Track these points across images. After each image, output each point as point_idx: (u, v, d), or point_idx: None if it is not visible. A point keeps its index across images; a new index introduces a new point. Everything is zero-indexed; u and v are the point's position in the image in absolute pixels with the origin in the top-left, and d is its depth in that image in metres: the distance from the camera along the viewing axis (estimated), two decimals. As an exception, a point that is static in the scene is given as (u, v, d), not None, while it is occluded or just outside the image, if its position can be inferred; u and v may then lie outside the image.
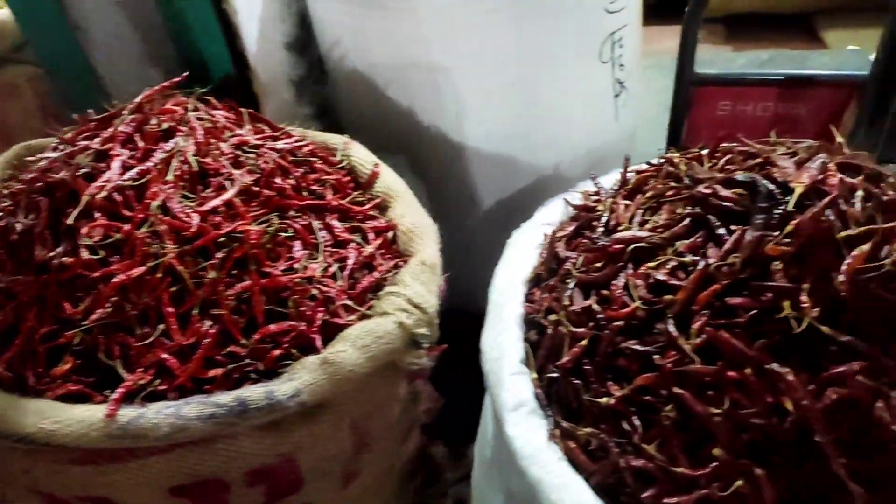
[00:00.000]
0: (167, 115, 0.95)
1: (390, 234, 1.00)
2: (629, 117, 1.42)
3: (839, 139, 0.89)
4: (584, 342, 0.83)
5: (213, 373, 0.82)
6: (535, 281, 1.00)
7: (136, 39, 1.24)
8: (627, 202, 0.95)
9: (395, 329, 0.85)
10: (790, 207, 0.73)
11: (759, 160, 0.84)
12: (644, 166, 1.08)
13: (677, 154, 1.02)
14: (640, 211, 0.90)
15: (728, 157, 0.94)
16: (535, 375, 0.88)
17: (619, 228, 0.90)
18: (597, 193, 1.09)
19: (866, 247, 0.71)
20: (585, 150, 1.37)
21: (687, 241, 0.81)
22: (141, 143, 0.90)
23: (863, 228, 0.72)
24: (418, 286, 0.90)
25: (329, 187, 1.05)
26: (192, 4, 1.18)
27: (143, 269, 0.81)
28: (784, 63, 2.24)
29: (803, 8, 2.78)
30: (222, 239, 0.85)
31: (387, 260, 0.98)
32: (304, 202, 0.96)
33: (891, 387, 0.70)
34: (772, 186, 0.77)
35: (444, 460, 1.22)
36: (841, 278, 0.70)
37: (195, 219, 0.84)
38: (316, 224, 0.96)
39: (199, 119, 0.96)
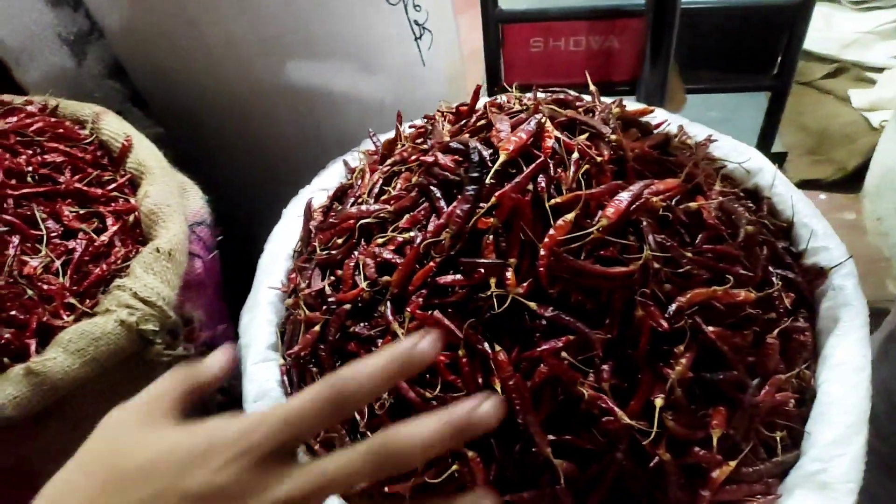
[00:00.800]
0: None
1: (131, 217, 0.92)
2: (441, 61, 1.34)
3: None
4: (316, 328, 0.78)
5: None
6: (297, 256, 0.94)
7: None
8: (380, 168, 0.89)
9: (116, 328, 0.78)
10: (489, 179, 0.68)
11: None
12: (420, 122, 1.02)
13: (450, 107, 0.96)
14: (382, 180, 0.84)
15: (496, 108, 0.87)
16: (282, 361, 0.84)
17: (358, 201, 0.84)
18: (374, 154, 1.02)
19: (570, 216, 0.68)
20: (394, 97, 1.29)
21: (409, 216, 0.76)
22: None
23: (569, 195, 0.68)
24: (149, 277, 0.83)
25: (67, 168, 0.95)
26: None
27: None
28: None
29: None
30: None
31: (127, 247, 0.90)
32: (21, 191, 0.86)
33: (601, 360, 0.68)
34: (486, 153, 0.72)
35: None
36: (542, 252, 0.67)
37: None
38: (39, 214, 0.87)
39: None
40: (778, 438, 0.72)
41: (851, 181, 1.63)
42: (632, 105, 0.99)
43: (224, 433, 0.39)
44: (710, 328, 0.71)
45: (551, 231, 0.67)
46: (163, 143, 1.44)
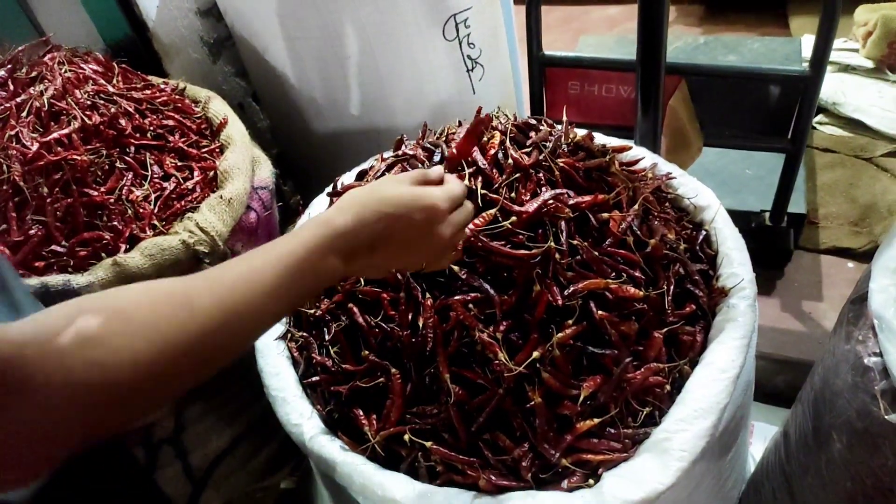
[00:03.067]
0: (39, 65, 1.20)
1: (211, 173, 1.23)
2: (492, 90, 1.58)
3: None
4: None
5: (38, 264, 1.08)
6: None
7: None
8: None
9: (178, 245, 1.09)
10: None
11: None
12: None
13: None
14: (385, 166, 1.09)
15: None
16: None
17: (367, 178, 1.10)
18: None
19: (491, 211, 0.89)
20: (446, 116, 1.55)
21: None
22: (11, 87, 1.17)
23: (494, 198, 0.90)
24: (210, 214, 1.13)
25: (177, 132, 1.29)
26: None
27: (-10, 181, 1.08)
28: (718, 51, 2.30)
29: (778, -6, 2.76)
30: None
31: (204, 193, 1.21)
32: (140, 142, 1.20)
33: (501, 318, 0.88)
34: (447, 153, 0.95)
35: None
36: (466, 232, 0.88)
37: (34, 147, 1.09)
38: (149, 160, 1.20)
39: (66, 71, 1.21)
40: (645, 412, 0.88)
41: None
42: (621, 142, 1.18)
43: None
44: (601, 312, 0.89)
45: (477, 220, 0.88)
46: (267, 133, 1.80)
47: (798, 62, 2.14)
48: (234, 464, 1.61)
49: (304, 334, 1.02)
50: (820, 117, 2.20)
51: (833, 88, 2.23)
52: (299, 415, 0.94)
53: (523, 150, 0.97)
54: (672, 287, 0.94)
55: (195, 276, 0.60)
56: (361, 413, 0.92)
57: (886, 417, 0.77)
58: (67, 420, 0.47)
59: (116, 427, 0.52)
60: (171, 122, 1.27)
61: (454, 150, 0.91)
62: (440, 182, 0.79)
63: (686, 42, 2.25)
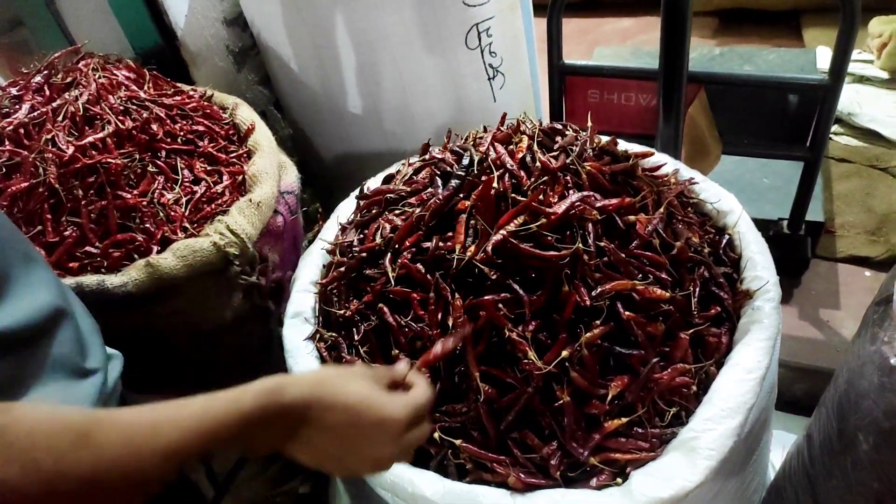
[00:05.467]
0: (74, 72, 1.24)
1: (240, 177, 1.26)
2: (512, 98, 1.60)
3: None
4: (342, 268, 1.06)
5: (72, 264, 1.11)
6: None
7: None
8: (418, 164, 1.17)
9: (209, 246, 1.11)
10: (455, 175, 0.93)
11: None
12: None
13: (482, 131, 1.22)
14: (412, 170, 1.11)
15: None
16: (316, 291, 1.12)
17: (394, 182, 1.12)
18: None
19: (520, 219, 0.90)
20: (466, 123, 1.57)
21: (419, 194, 1.02)
22: (47, 92, 1.20)
23: (522, 203, 0.91)
24: (240, 217, 1.15)
25: (206, 137, 1.31)
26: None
27: (27, 183, 1.10)
28: (733, 61, 2.32)
29: (792, 5, 2.78)
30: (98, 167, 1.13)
31: (233, 196, 1.23)
32: (171, 146, 1.23)
33: (530, 318, 0.90)
34: (476, 157, 0.97)
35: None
36: (496, 237, 0.90)
37: (69, 150, 1.12)
38: (180, 164, 1.23)
39: (100, 77, 1.25)
40: (672, 412, 0.89)
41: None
42: (643, 149, 1.20)
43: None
44: (628, 313, 0.90)
45: (508, 226, 0.90)
46: (290, 141, 1.83)
47: (814, 72, 2.16)
48: (254, 469, 1.62)
49: (334, 335, 1.03)
50: (836, 127, 2.21)
51: (849, 99, 2.24)
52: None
53: (551, 154, 0.99)
54: (697, 289, 0.96)
55: (105, 412, 0.57)
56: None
57: (915, 416, 0.77)
58: None
59: None
60: (200, 128, 1.30)
61: (430, 357, 0.84)
62: (405, 385, 0.71)
63: (701, 53, 2.28)
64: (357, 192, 1.25)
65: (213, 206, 1.20)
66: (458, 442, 0.87)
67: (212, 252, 1.12)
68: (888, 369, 0.85)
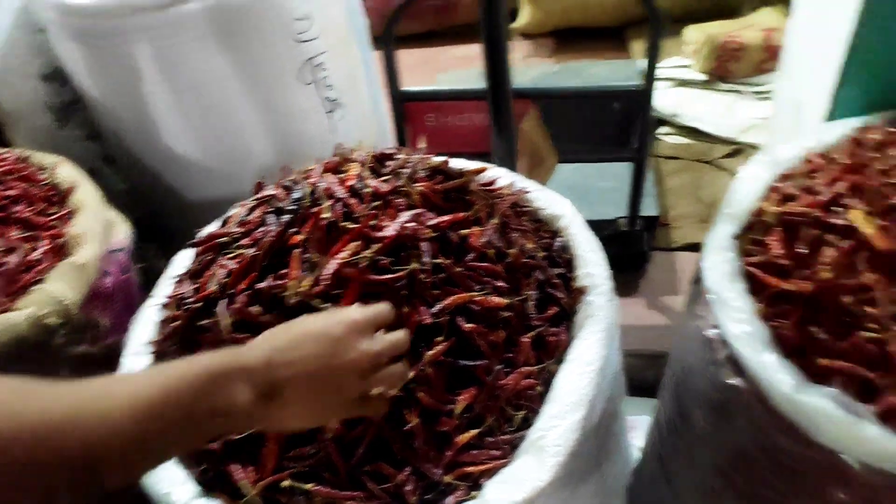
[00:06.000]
0: None
1: (61, 240, 1.17)
2: (353, 129, 1.61)
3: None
4: (177, 322, 1.00)
5: None
6: (187, 274, 1.17)
7: None
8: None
9: (24, 319, 1.02)
10: (287, 210, 0.92)
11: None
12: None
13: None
14: (247, 210, 1.08)
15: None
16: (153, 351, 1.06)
17: (227, 225, 1.08)
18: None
19: (353, 245, 0.90)
20: (308, 158, 1.56)
21: (252, 234, 1.00)
22: None
23: (353, 230, 0.91)
24: (60, 283, 1.07)
25: (23, 202, 1.22)
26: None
27: None
28: (567, 76, 2.47)
29: (616, 22, 3.02)
30: None
31: (54, 261, 1.14)
32: (-23, 215, 1.13)
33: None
34: (308, 191, 0.96)
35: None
36: (331, 267, 0.88)
37: None
38: (-11, 233, 1.13)
39: None
40: (519, 416, 0.90)
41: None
42: (479, 165, 1.23)
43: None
44: (468, 325, 0.91)
45: (342, 254, 0.89)
46: (126, 196, 1.74)
47: (636, 80, 2.34)
48: None
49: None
50: (664, 128, 2.41)
51: (673, 101, 2.44)
52: (169, 482, 0.88)
53: (381, 179, 0.99)
54: (534, 293, 0.99)
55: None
56: (238, 467, 0.88)
57: (730, 382, 0.83)
58: None
59: None
60: (14, 192, 1.20)
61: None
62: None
63: (541, 71, 2.41)
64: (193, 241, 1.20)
65: (31, 273, 1.10)
66: (309, 486, 0.84)
67: (28, 323, 1.03)
68: (707, 342, 0.91)
